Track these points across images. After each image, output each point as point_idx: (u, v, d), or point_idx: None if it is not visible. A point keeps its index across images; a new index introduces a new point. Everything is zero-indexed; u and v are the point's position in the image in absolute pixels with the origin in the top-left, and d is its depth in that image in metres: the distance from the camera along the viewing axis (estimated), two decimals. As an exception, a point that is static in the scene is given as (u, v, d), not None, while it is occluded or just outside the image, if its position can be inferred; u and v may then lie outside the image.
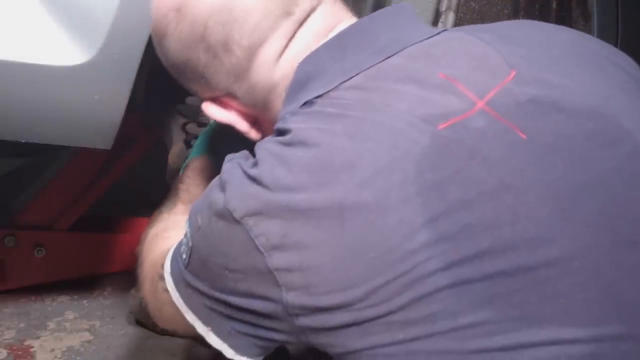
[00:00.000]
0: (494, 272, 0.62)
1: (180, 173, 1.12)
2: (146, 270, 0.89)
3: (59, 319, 1.69)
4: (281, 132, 0.71)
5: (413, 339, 0.63)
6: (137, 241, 1.85)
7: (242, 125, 0.86)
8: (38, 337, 1.61)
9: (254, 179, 0.67)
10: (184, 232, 0.76)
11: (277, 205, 0.64)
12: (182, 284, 0.76)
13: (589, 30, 1.80)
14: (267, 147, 0.70)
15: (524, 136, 0.65)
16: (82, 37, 1.03)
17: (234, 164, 0.71)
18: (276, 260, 0.64)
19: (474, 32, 0.75)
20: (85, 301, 1.77)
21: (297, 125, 0.69)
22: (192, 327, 0.76)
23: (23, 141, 1.21)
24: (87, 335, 1.62)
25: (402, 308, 0.62)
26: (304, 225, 0.63)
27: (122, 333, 1.64)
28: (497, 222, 0.62)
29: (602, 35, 1.79)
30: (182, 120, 1.48)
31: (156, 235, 0.94)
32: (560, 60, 0.72)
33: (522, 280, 0.62)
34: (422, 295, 0.61)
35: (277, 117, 0.78)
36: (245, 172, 0.68)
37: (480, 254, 0.61)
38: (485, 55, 0.71)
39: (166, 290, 0.78)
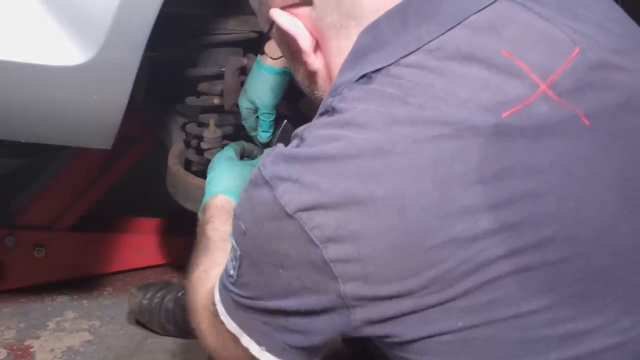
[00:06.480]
0: (557, 260, 0.62)
1: (200, 214, 1.08)
2: (200, 314, 0.86)
3: (59, 319, 1.69)
4: (335, 110, 0.67)
5: (472, 327, 0.63)
6: (137, 241, 1.88)
7: (305, 41, 0.78)
8: (38, 337, 1.61)
9: (303, 160, 0.65)
10: (228, 250, 0.74)
11: (332, 196, 0.63)
12: (232, 308, 0.74)
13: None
14: (318, 133, 0.67)
15: (587, 123, 0.65)
16: (82, 37, 1.04)
17: (271, 158, 0.68)
18: (332, 252, 0.63)
19: (531, 3, 0.71)
20: (85, 301, 1.77)
21: (352, 105, 0.66)
22: (250, 354, 0.74)
23: (23, 141, 1.21)
24: (87, 335, 1.62)
25: (463, 294, 0.62)
26: (361, 216, 0.62)
27: (122, 333, 1.64)
28: (561, 211, 0.62)
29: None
30: (182, 120, 1.48)
31: (199, 279, 0.92)
32: (619, 40, 0.71)
33: (584, 268, 0.63)
34: (485, 281, 0.61)
35: (335, 72, 0.74)
36: (291, 157, 0.66)
37: (544, 241, 0.62)
38: (548, 29, 0.69)
39: (222, 322, 0.76)
